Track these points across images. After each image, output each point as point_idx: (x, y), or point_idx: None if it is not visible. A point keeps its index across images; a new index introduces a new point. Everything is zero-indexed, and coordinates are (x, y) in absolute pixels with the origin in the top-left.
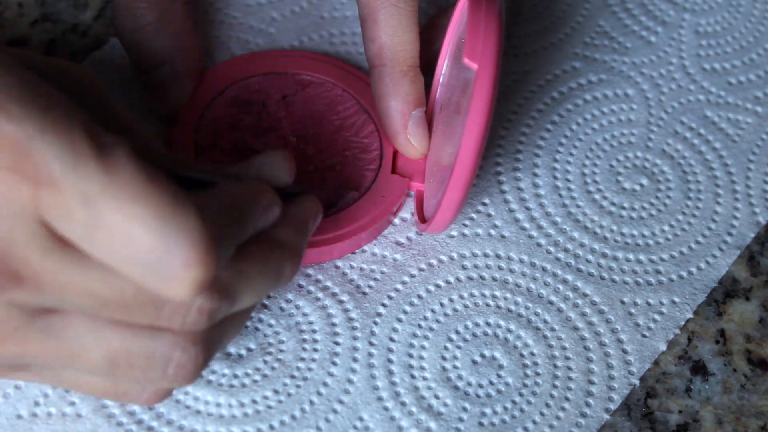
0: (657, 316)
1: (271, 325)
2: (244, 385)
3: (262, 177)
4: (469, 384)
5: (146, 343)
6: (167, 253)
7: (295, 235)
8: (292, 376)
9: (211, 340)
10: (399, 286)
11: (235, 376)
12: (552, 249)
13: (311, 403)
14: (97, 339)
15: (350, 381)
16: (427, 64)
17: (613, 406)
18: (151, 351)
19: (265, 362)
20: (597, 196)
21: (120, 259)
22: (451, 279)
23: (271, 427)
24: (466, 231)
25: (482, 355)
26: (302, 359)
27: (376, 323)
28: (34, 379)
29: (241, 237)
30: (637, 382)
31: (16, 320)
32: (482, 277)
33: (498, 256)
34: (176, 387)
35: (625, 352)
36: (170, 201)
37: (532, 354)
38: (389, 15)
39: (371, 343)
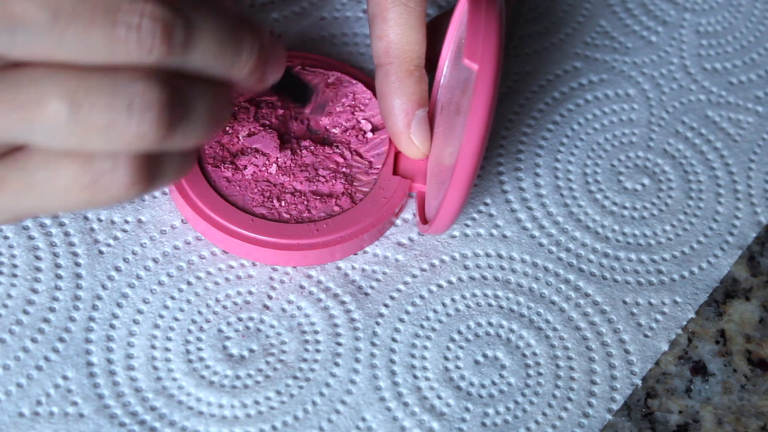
0: (659, 316)
1: (273, 326)
2: (246, 386)
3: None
4: (472, 384)
5: (106, 77)
6: None
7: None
8: (295, 377)
9: (174, 84)
10: (401, 287)
11: (238, 377)
12: (554, 249)
13: (314, 403)
14: (53, 81)
15: (353, 381)
16: (428, 64)
17: (615, 407)
18: (112, 84)
19: (268, 363)
20: (599, 196)
21: None
22: (453, 279)
23: (274, 427)
24: (468, 231)
25: (485, 356)
26: (305, 360)
27: (378, 324)
28: (9, 188)
29: None
30: (640, 382)
31: None
32: (484, 278)
33: (500, 256)
34: (144, 141)
35: (627, 352)
36: None
37: (535, 354)
38: (399, 14)
39: (373, 344)
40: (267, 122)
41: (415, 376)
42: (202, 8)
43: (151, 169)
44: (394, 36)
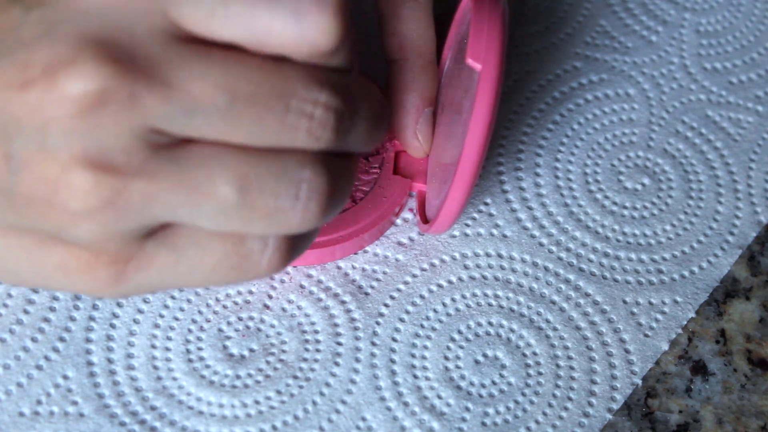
0: (659, 316)
1: (273, 326)
2: (246, 386)
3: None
4: (472, 384)
5: (275, 162)
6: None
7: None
8: (295, 377)
9: (336, 170)
10: (401, 287)
11: (238, 377)
12: (554, 249)
13: (314, 403)
14: (223, 164)
15: (353, 381)
16: None
17: (615, 406)
18: (281, 170)
19: (268, 363)
20: (599, 196)
21: (249, 27)
22: (453, 279)
23: (274, 427)
24: (468, 231)
25: (485, 355)
26: (305, 360)
27: (378, 323)
28: (156, 265)
29: (355, 42)
30: (640, 382)
31: (144, 152)
32: (484, 277)
33: (500, 256)
34: (304, 226)
35: (627, 351)
36: None
37: (535, 354)
38: (411, 10)
39: (374, 344)
40: None
41: (415, 376)
42: (361, 93)
43: (294, 248)
44: (408, 32)
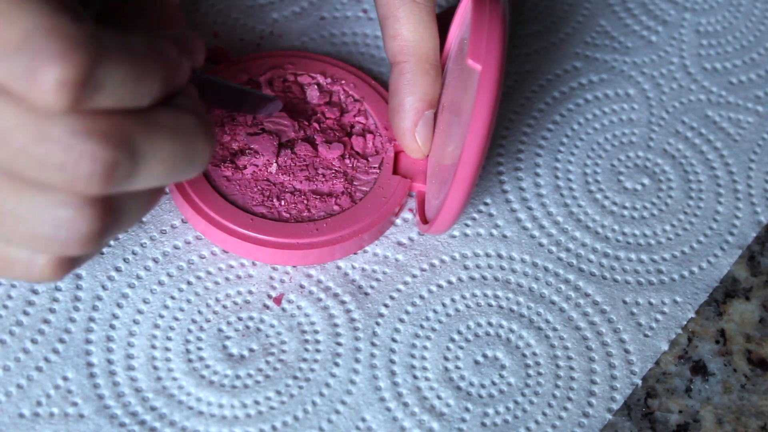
0: (659, 316)
1: (273, 326)
2: (246, 386)
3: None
4: (472, 384)
5: (35, 195)
6: (31, 46)
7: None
8: (295, 377)
9: (109, 207)
10: (401, 287)
11: (238, 377)
12: (554, 249)
13: (314, 403)
14: None
15: (353, 382)
16: None
17: (615, 406)
18: (40, 204)
19: (268, 363)
20: (598, 196)
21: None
22: (453, 279)
23: (274, 427)
24: (468, 231)
25: (484, 356)
26: (304, 360)
27: (378, 324)
28: None
29: (138, 81)
30: (639, 382)
31: None
32: (484, 278)
33: (500, 256)
34: (70, 254)
35: (627, 351)
36: (48, 11)
37: (534, 354)
38: (410, 11)
39: (373, 344)
40: (268, 125)
41: (415, 376)
42: (155, 129)
43: (70, 263)
44: (408, 33)
